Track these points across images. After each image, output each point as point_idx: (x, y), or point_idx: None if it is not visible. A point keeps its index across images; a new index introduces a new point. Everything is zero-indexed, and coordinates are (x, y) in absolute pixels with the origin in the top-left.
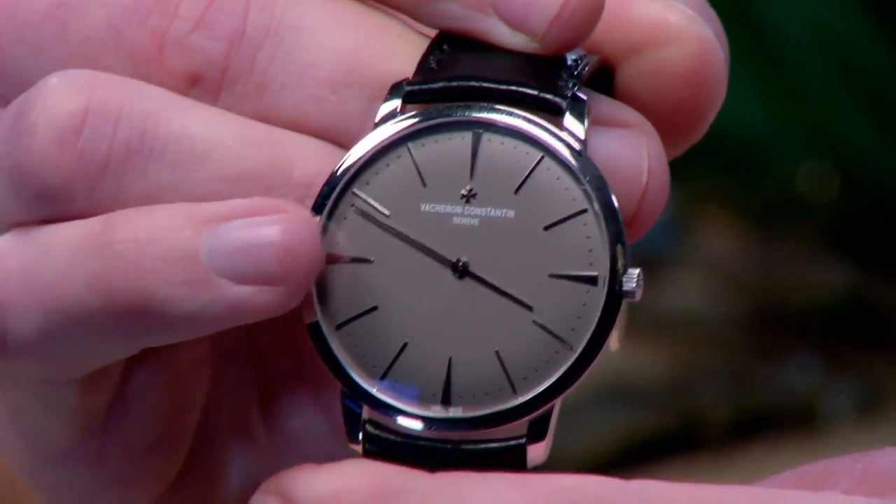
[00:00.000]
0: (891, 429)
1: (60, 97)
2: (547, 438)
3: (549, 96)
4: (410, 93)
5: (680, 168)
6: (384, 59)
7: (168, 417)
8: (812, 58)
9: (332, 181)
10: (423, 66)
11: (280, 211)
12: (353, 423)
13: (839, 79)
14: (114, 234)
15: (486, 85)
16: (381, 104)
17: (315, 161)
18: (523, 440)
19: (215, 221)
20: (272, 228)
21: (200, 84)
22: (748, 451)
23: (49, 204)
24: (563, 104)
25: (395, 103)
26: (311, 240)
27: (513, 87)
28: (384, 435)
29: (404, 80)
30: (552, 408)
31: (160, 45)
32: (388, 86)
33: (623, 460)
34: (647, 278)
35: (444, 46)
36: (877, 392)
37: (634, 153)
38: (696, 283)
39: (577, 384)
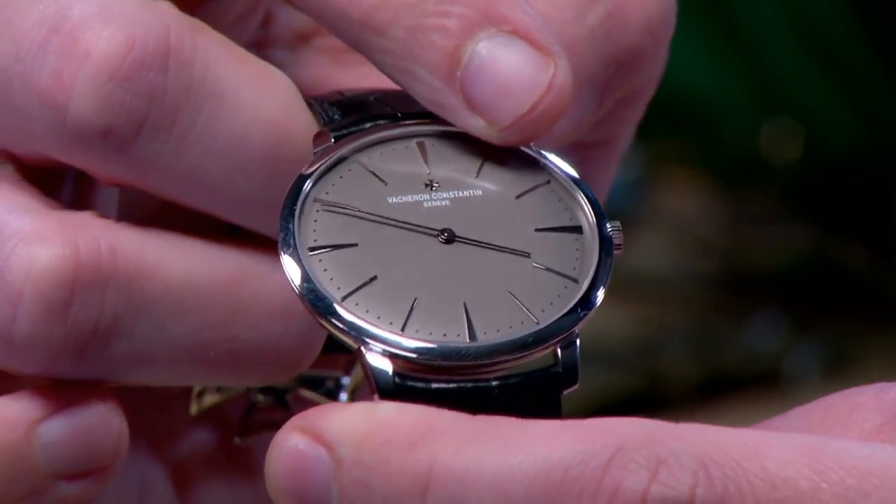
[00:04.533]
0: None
1: (45, 264)
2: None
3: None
4: (341, 102)
5: (644, 128)
6: (310, 128)
7: None
8: (773, 21)
9: (292, 191)
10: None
11: (104, 399)
12: (383, 381)
13: (800, 42)
14: None
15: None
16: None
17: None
18: (555, 369)
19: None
20: (110, 418)
21: (111, 137)
22: (713, 410)
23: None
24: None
25: (326, 134)
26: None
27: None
28: (417, 384)
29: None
30: (576, 338)
31: (69, 91)
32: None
33: None
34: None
35: (335, 116)
36: (841, 352)
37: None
38: (661, 243)
39: (593, 312)
